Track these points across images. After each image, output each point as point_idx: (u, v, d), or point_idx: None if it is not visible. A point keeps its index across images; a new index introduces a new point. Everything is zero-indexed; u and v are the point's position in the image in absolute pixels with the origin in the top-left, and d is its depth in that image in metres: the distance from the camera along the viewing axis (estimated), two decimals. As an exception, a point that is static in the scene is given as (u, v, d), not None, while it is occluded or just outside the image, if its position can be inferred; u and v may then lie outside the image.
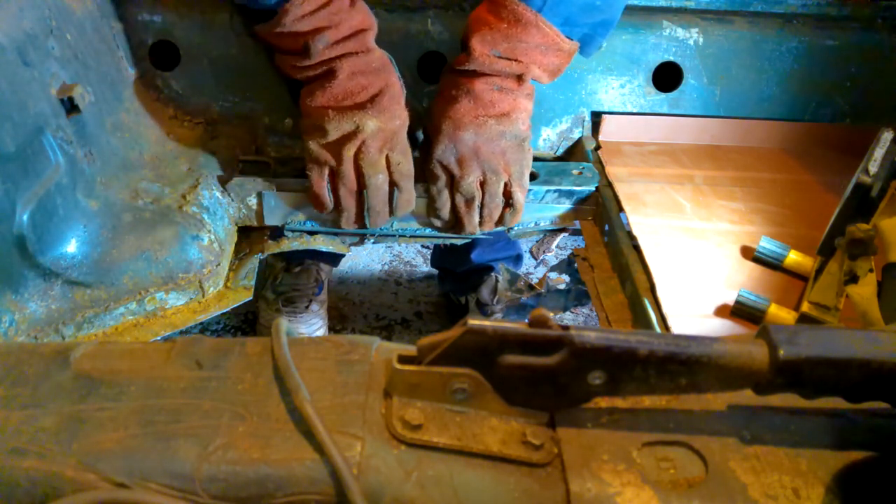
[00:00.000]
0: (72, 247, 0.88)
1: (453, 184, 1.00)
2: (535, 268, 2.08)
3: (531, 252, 2.10)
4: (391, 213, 1.01)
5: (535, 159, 1.07)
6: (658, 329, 0.87)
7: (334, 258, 1.79)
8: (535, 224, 1.15)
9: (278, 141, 1.15)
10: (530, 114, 1.02)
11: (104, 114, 0.98)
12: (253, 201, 1.06)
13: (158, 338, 0.93)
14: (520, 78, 0.98)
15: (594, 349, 0.46)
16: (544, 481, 0.47)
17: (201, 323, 1.18)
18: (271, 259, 1.70)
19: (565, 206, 1.13)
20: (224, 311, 0.98)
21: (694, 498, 0.45)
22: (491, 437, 0.48)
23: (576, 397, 0.49)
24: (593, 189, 1.11)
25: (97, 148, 0.95)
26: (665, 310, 0.89)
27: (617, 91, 1.22)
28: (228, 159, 1.10)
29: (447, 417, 0.49)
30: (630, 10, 1.16)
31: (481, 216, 1.03)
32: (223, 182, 1.05)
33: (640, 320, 0.91)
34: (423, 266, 2.05)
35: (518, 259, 1.79)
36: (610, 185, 1.12)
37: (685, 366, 0.46)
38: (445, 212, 1.04)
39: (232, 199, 1.05)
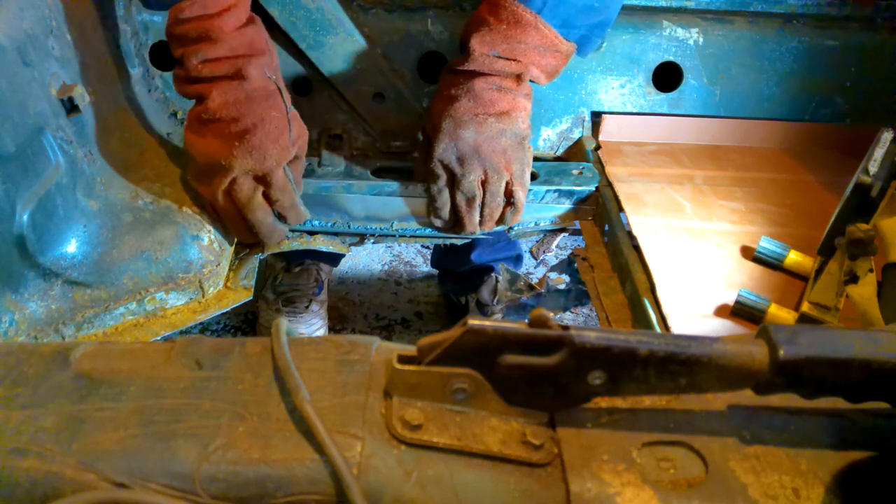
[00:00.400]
0: (72, 247, 0.88)
1: (454, 183, 1.00)
2: (535, 268, 2.08)
3: (531, 252, 2.10)
4: (286, 231, 1.01)
5: (535, 159, 1.07)
6: (658, 329, 0.87)
7: (334, 258, 1.79)
8: (535, 224, 1.15)
9: (278, 141, 1.15)
10: (529, 113, 1.02)
11: (104, 114, 0.97)
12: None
13: (158, 338, 0.93)
14: (519, 78, 0.98)
15: (594, 349, 0.46)
16: (544, 481, 0.47)
17: (201, 323, 1.18)
18: (271, 259, 1.70)
19: (565, 206, 1.13)
20: (224, 311, 0.98)
21: (694, 498, 0.45)
22: (491, 437, 0.48)
23: (576, 397, 0.49)
24: (593, 189, 1.11)
25: (97, 148, 0.95)
26: (665, 310, 0.89)
27: (617, 91, 1.22)
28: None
29: (447, 417, 0.49)
30: (630, 10, 1.16)
31: (482, 215, 1.03)
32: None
33: (640, 320, 0.91)
34: (423, 266, 2.05)
35: (518, 259, 1.79)
36: (610, 185, 1.12)
37: (685, 366, 0.46)
38: (446, 211, 1.04)
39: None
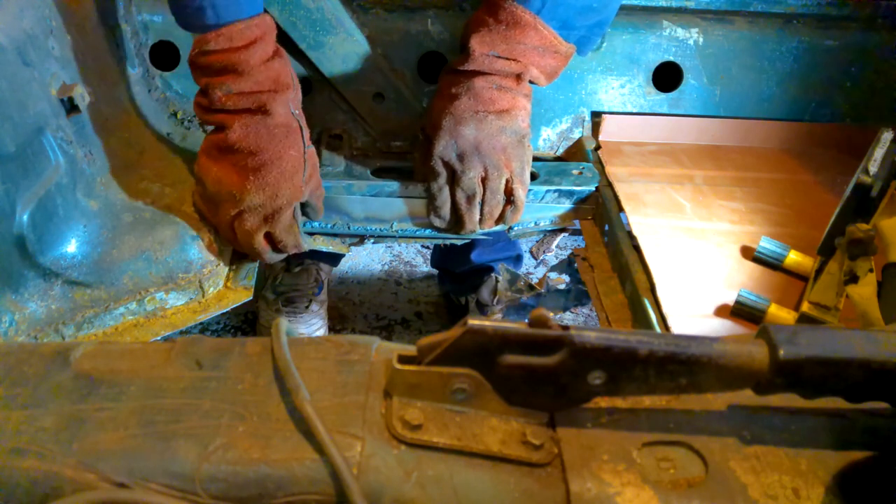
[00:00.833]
0: (72, 247, 0.88)
1: (454, 180, 1.00)
2: (535, 268, 2.08)
3: (531, 252, 2.10)
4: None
5: (535, 159, 1.07)
6: (658, 329, 0.87)
7: (334, 258, 1.79)
8: (535, 224, 1.15)
9: (278, 141, 1.15)
10: (529, 112, 1.02)
11: (104, 114, 0.97)
12: None
13: (158, 338, 0.93)
14: (518, 77, 0.99)
15: (594, 349, 0.46)
16: (544, 481, 0.47)
17: (201, 323, 1.18)
18: (271, 259, 1.69)
19: (565, 206, 1.13)
20: (224, 311, 0.98)
21: (694, 498, 0.45)
22: (491, 437, 0.48)
23: (576, 397, 0.49)
24: (593, 189, 1.11)
25: (97, 148, 0.95)
26: (665, 310, 0.89)
27: (617, 91, 1.22)
28: (228, 159, 1.10)
29: (447, 417, 0.49)
30: (630, 10, 1.16)
31: (482, 213, 1.03)
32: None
33: (640, 320, 0.91)
34: (423, 266, 2.05)
35: (518, 259, 1.79)
36: (610, 185, 1.12)
37: (685, 366, 0.46)
38: (446, 210, 1.04)
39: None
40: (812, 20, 1.19)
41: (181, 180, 1.02)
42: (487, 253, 1.71)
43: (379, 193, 1.07)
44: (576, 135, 1.24)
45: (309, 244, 1.07)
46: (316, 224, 1.09)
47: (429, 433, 0.48)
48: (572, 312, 1.88)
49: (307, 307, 1.70)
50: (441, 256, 1.86)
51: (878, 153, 0.81)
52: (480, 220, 1.04)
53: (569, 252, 2.10)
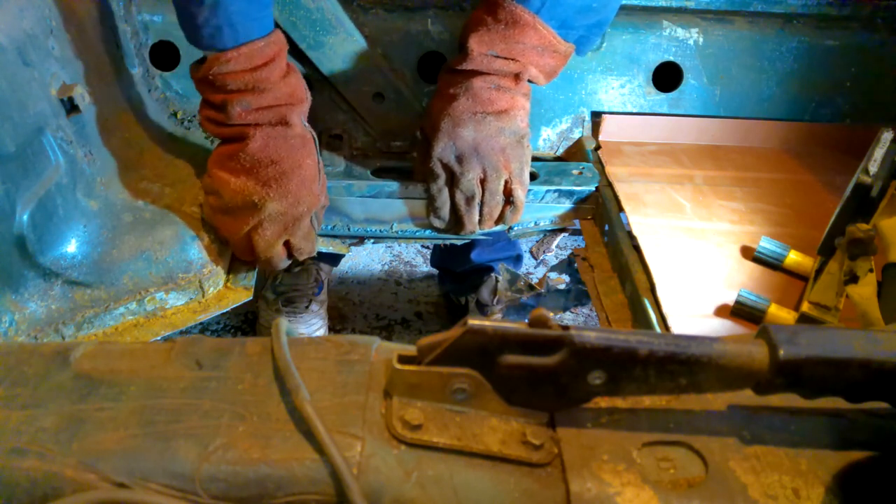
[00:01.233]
0: (72, 247, 0.88)
1: (453, 182, 1.00)
2: (535, 268, 2.08)
3: (531, 252, 2.10)
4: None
5: (535, 159, 1.07)
6: (658, 329, 0.87)
7: (334, 258, 1.79)
8: (535, 224, 1.15)
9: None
10: (528, 112, 1.02)
11: (104, 114, 0.97)
12: None
13: (158, 338, 0.93)
14: (517, 77, 0.98)
15: (594, 349, 0.46)
16: (544, 481, 0.47)
17: (201, 323, 1.18)
18: (271, 259, 1.69)
19: (565, 206, 1.13)
20: (224, 311, 0.98)
21: (694, 498, 0.45)
22: (491, 437, 0.48)
23: (576, 397, 0.49)
24: (593, 189, 1.11)
25: (97, 148, 0.95)
26: (665, 310, 0.89)
27: (617, 91, 1.22)
28: (228, 159, 1.10)
29: (447, 417, 0.49)
30: (630, 10, 1.16)
31: (481, 214, 1.03)
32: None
33: (640, 320, 0.91)
34: (423, 266, 2.05)
35: (518, 259, 1.79)
36: (610, 185, 1.12)
37: (685, 366, 0.46)
38: (445, 211, 1.04)
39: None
40: (812, 20, 1.19)
41: (181, 180, 1.02)
42: (487, 253, 1.71)
43: (379, 194, 1.07)
44: (576, 135, 1.24)
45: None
46: (316, 224, 1.09)
47: (429, 433, 0.48)
48: (572, 312, 1.88)
49: (307, 307, 1.70)
50: (441, 256, 1.86)
51: (878, 153, 0.81)
52: (480, 220, 1.04)
53: (569, 252, 2.10)
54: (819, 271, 0.89)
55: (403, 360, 0.49)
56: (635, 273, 0.95)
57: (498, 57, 0.97)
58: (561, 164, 1.15)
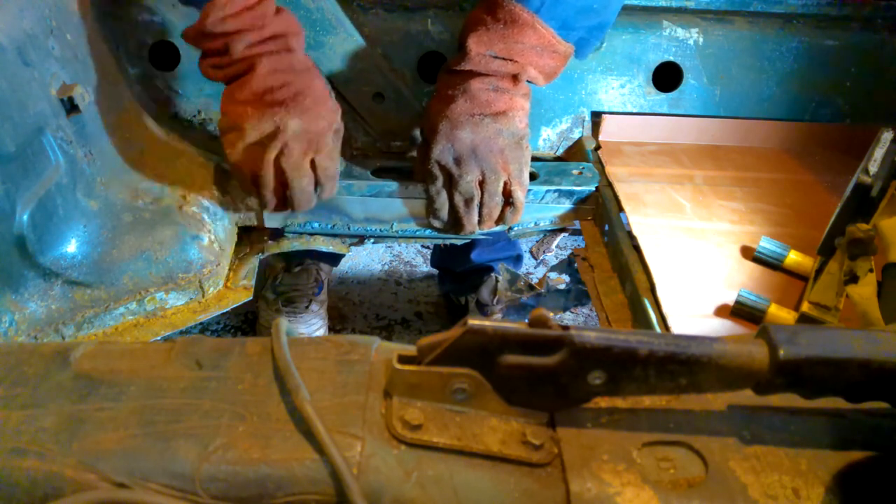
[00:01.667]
0: (72, 247, 0.88)
1: (451, 183, 1.00)
2: (535, 268, 2.08)
3: (531, 252, 2.10)
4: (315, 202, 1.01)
5: (535, 159, 1.07)
6: (658, 329, 0.87)
7: (334, 258, 1.79)
8: (535, 224, 1.15)
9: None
10: (527, 113, 1.02)
11: (104, 114, 0.97)
12: (253, 201, 1.06)
13: (158, 338, 0.93)
14: (516, 77, 0.98)
15: (594, 349, 0.46)
16: (544, 481, 0.47)
17: (201, 323, 1.18)
18: (271, 259, 1.70)
19: (565, 206, 1.13)
20: (224, 311, 0.98)
21: (694, 498, 0.45)
22: (491, 437, 0.48)
23: (576, 397, 0.49)
24: (593, 189, 1.11)
25: (97, 148, 0.95)
26: (665, 310, 0.89)
27: (617, 91, 1.22)
28: (228, 159, 1.10)
29: (447, 417, 0.49)
30: (630, 10, 1.16)
31: (480, 215, 1.03)
32: (223, 182, 1.05)
33: (640, 320, 0.91)
34: (423, 266, 2.05)
35: (518, 259, 1.79)
36: (610, 185, 1.12)
37: (685, 366, 0.46)
38: (444, 212, 1.04)
39: (232, 199, 1.05)
40: (812, 20, 1.19)
41: (181, 180, 1.02)
42: (487, 253, 1.71)
43: (379, 193, 1.07)
44: (576, 135, 1.24)
45: (309, 243, 1.08)
46: (316, 224, 1.09)
47: (429, 433, 0.48)
48: (572, 312, 1.88)
49: (307, 307, 1.70)
50: (441, 256, 1.86)
51: (878, 153, 0.81)
52: (479, 221, 1.03)
53: (569, 252, 2.10)
54: (819, 271, 0.89)
55: (403, 360, 0.49)
56: (635, 273, 0.95)
57: (496, 57, 0.96)
58: (561, 164, 1.15)
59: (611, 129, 1.25)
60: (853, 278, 0.81)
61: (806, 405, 0.50)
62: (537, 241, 2.11)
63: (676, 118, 1.24)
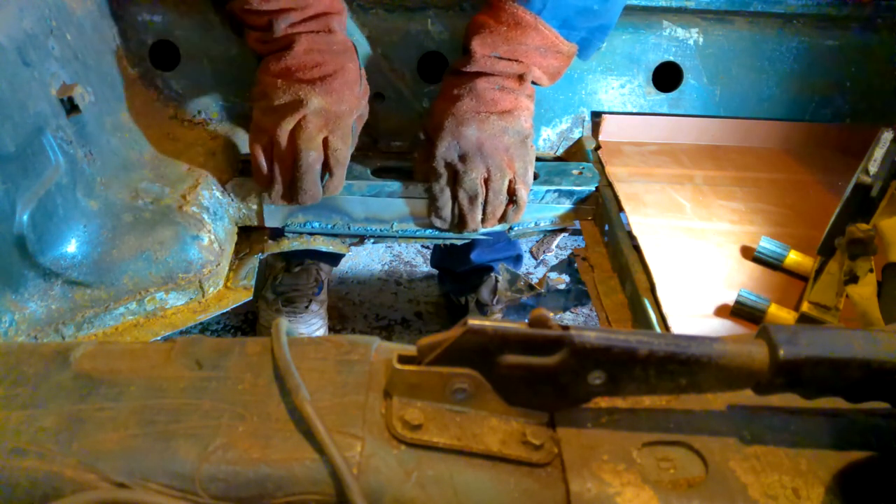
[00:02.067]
0: (72, 247, 0.88)
1: (456, 181, 1.00)
2: (535, 268, 2.08)
3: (531, 252, 2.10)
4: (322, 194, 1.00)
5: (536, 159, 1.07)
6: (658, 329, 0.87)
7: (334, 258, 1.79)
8: (535, 224, 1.15)
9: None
10: (532, 113, 1.02)
11: (104, 114, 0.97)
12: (253, 201, 1.06)
13: (158, 338, 0.93)
14: (521, 78, 0.99)
15: (594, 349, 0.46)
16: (544, 481, 0.47)
17: (201, 323, 1.18)
18: (271, 259, 1.70)
19: (565, 206, 1.13)
20: (224, 311, 0.98)
21: (694, 498, 0.45)
22: (491, 437, 0.48)
23: (576, 397, 0.49)
24: (593, 189, 1.11)
25: (97, 148, 0.95)
26: (665, 310, 0.89)
27: (617, 91, 1.22)
28: (228, 159, 1.10)
29: (447, 417, 0.49)
30: (630, 10, 1.16)
31: (484, 213, 1.03)
32: (223, 182, 1.05)
33: (640, 320, 0.91)
34: (423, 266, 2.05)
35: (518, 259, 1.79)
36: (610, 185, 1.12)
37: (685, 366, 0.46)
38: (447, 210, 1.03)
39: (232, 199, 1.05)
40: (812, 20, 1.19)
41: (181, 180, 1.02)
42: (487, 253, 1.71)
43: (379, 193, 1.07)
44: (576, 135, 1.24)
45: (309, 243, 1.08)
46: (316, 224, 1.09)
47: (429, 433, 0.48)
48: (572, 312, 1.88)
49: (307, 307, 1.70)
50: (441, 256, 1.86)
51: (878, 153, 0.81)
52: (483, 219, 1.03)
53: (569, 252, 2.11)
54: (819, 271, 0.89)
55: (403, 360, 0.49)
56: (635, 273, 0.95)
57: (501, 58, 0.97)
58: (561, 164, 1.15)
59: (611, 129, 1.25)
60: (853, 278, 0.81)
61: (806, 405, 0.50)
62: (537, 241, 2.11)
63: (676, 118, 1.24)
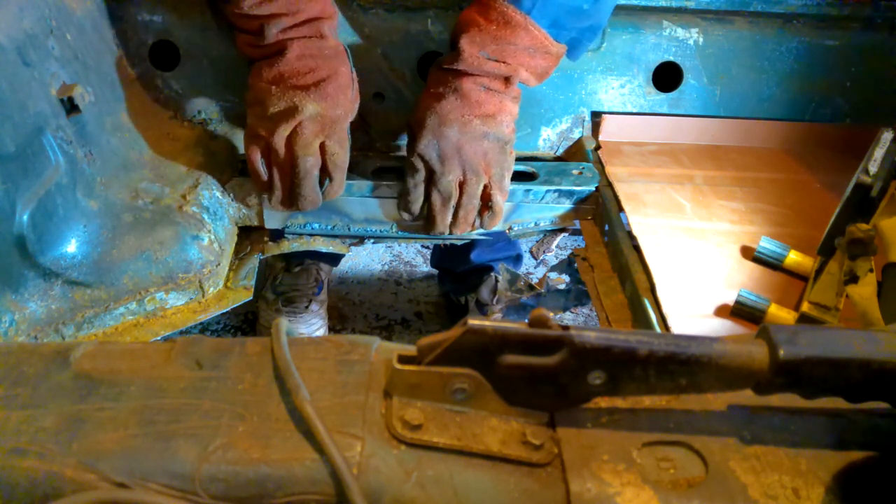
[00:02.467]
0: (72, 247, 0.88)
1: (432, 180, 1.00)
2: (535, 268, 2.08)
3: (531, 252, 2.10)
4: (321, 199, 1.00)
5: (536, 159, 1.07)
6: (658, 329, 0.87)
7: (334, 258, 1.79)
8: (535, 224, 1.15)
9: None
10: (515, 117, 1.02)
11: (104, 114, 0.97)
12: (253, 201, 1.06)
13: (158, 338, 0.93)
14: (507, 80, 0.98)
15: (594, 349, 0.46)
16: (544, 481, 0.47)
17: (201, 323, 1.18)
18: (271, 259, 1.70)
19: (565, 206, 1.13)
20: (224, 311, 0.98)
21: (694, 498, 0.45)
22: (491, 437, 0.48)
23: (576, 397, 0.49)
24: (593, 189, 1.11)
25: (97, 148, 0.95)
26: (665, 310, 0.89)
27: (617, 91, 1.22)
28: (228, 159, 1.10)
29: (447, 417, 0.49)
30: (630, 10, 1.16)
31: (455, 217, 1.02)
32: (223, 182, 1.05)
33: (640, 320, 0.91)
34: (423, 266, 2.05)
35: (518, 259, 1.79)
36: (610, 185, 1.12)
37: (685, 366, 0.46)
38: (416, 207, 1.03)
39: (232, 199, 1.05)
40: (812, 20, 1.19)
41: (181, 180, 1.02)
42: (487, 253, 1.71)
43: (379, 194, 1.07)
44: (576, 135, 1.24)
45: (309, 244, 1.08)
46: (316, 225, 1.09)
47: (429, 433, 0.48)
48: (572, 312, 1.88)
49: (307, 307, 1.70)
50: (441, 256, 1.86)
51: (878, 153, 0.81)
52: (453, 222, 1.03)
53: (569, 252, 2.10)
54: (819, 271, 0.89)
55: (403, 360, 0.49)
56: (635, 273, 0.95)
57: (489, 59, 0.96)
58: (561, 164, 1.15)
59: (611, 129, 1.25)
60: (853, 278, 0.81)
61: (806, 405, 0.50)
62: (537, 241, 2.11)
63: (676, 118, 1.24)
